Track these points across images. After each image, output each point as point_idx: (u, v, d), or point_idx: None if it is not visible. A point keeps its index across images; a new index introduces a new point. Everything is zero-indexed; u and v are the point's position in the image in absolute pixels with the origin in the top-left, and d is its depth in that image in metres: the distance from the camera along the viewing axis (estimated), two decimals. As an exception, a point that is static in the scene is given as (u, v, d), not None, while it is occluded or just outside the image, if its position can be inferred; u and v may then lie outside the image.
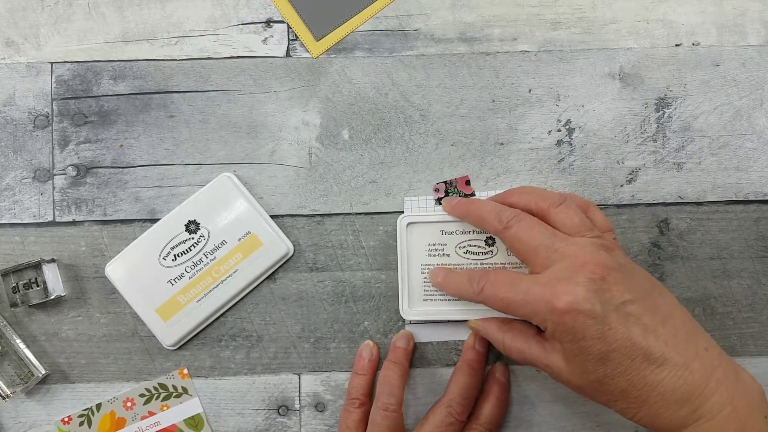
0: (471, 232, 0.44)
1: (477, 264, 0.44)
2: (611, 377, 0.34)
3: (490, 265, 0.44)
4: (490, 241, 0.44)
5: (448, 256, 0.44)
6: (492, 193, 0.46)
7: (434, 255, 0.44)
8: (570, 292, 0.34)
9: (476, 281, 0.39)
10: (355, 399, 0.43)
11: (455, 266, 0.44)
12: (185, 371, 0.45)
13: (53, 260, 0.45)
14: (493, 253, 0.44)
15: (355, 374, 0.44)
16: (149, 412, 0.45)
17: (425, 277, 0.44)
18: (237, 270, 0.44)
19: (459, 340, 0.45)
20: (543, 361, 0.37)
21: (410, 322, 0.45)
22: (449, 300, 0.44)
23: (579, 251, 0.35)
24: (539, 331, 0.39)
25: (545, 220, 0.38)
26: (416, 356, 0.45)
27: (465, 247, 0.44)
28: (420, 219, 0.44)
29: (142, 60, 0.47)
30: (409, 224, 0.44)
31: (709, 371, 0.34)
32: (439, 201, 0.46)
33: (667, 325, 0.34)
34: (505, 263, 0.44)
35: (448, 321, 0.45)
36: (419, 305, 0.44)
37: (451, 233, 0.44)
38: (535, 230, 0.37)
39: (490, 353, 0.45)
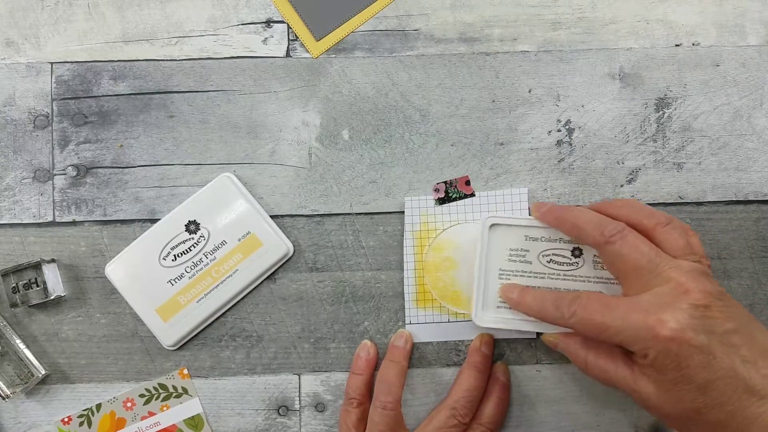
0: (557, 241, 0.42)
1: (560, 275, 0.42)
2: (710, 407, 0.33)
3: (574, 278, 0.42)
4: (576, 252, 0.42)
5: (530, 263, 0.42)
6: (492, 193, 0.46)
7: (515, 261, 0.42)
8: (675, 320, 0.33)
9: (566, 305, 0.37)
10: (353, 399, 0.43)
11: (537, 275, 0.42)
12: (185, 371, 0.45)
13: (53, 260, 0.45)
14: (579, 265, 0.42)
15: (353, 374, 0.44)
16: (149, 412, 0.45)
17: (503, 284, 0.42)
18: (237, 270, 0.44)
19: (459, 341, 0.45)
20: (630, 385, 0.35)
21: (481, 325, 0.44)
22: None
23: (683, 276, 0.34)
24: (626, 352, 0.37)
25: (649, 238, 0.37)
26: (416, 356, 0.45)
27: (549, 256, 0.42)
28: (505, 221, 0.42)
29: (142, 60, 0.47)
30: (492, 225, 0.42)
31: None
32: (439, 201, 0.46)
33: (766, 358, 0.33)
34: (591, 277, 0.42)
35: (496, 329, 0.44)
36: (493, 311, 0.42)
37: (536, 240, 0.42)
38: (641, 249, 0.36)
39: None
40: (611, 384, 0.37)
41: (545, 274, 0.42)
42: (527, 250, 0.42)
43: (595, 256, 0.42)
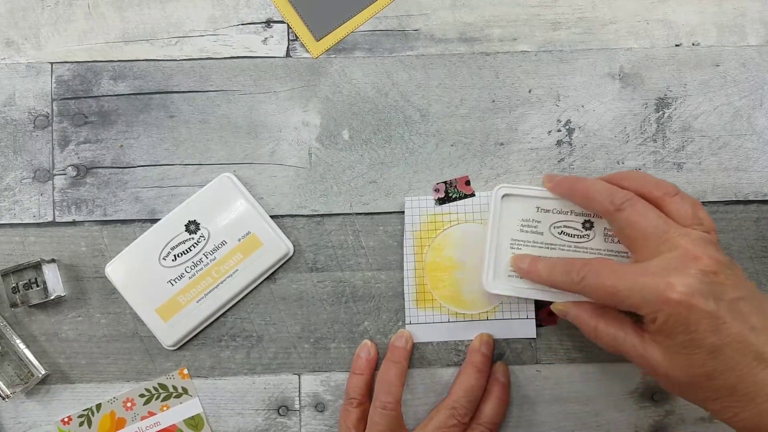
0: (569, 213, 0.42)
1: (571, 246, 0.42)
2: (720, 372, 0.33)
3: (585, 250, 0.42)
4: (588, 225, 0.42)
5: (542, 234, 0.42)
6: (492, 193, 0.46)
7: (527, 231, 0.43)
8: (684, 284, 0.33)
9: (576, 270, 0.37)
10: (353, 398, 0.43)
11: (548, 246, 0.42)
12: (185, 371, 0.45)
13: (53, 260, 0.45)
14: (590, 237, 0.42)
15: (353, 374, 0.44)
16: (149, 412, 0.45)
17: (514, 253, 0.43)
18: (237, 270, 0.44)
19: (459, 341, 0.45)
20: (639, 351, 0.35)
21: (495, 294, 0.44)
22: None
23: (691, 243, 0.34)
24: (636, 319, 0.37)
25: (658, 208, 0.37)
26: (416, 356, 0.45)
27: (560, 227, 0.42)
28: (517, 192, 0.43)
29: (142, 60, 0.47)
30: (505, 195, 0.43)
31: None
32: (439, 201, 0.46)
33: None
34: (601, 249, 0.42)
35: (522, 299, 0.44)
36: (504, 280, 0.43)
37: (547, 211, 0.43)
38: (650, 216, 0.36)
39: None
40: (622, 351, 0.37)
41: (556, 245, 0.43)
42: (539, 221, 0.43)
43: (606, 228, 0.43)
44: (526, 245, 0.43)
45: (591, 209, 0.41)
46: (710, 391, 0.34)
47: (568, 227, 0.43)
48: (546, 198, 0.43)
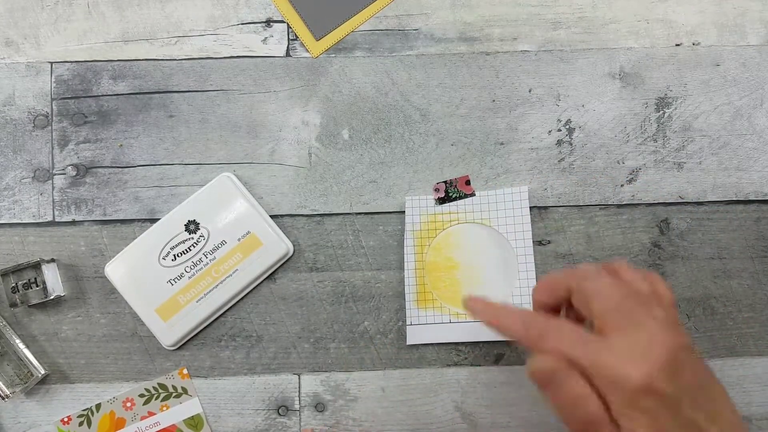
0: None
1: None
2: None
3: None
4: None
5: None
6: (492, 193, 0.46)
7: None
8: (645, 371, 0.32)
9: (535, 327, 0.35)
10: None
11: None
12: (185, 371, 0.45)
13: (53, 260, 0.45)
14: None
15: None
16: (149, 412, 0.45)
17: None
18: (237, 270, 0.44)
19: (459, 341, 0.45)
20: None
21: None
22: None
23: (656, 327, 0.34)
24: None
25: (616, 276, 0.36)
26: (416, 356, 0.45)
27: None
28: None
29: (142, 60, 0.47)
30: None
31: None
32: (439, 201, 0.46)
33: (720, 421, 0.33)
34: None
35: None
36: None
37: None
38: (611, 292, 0.35)
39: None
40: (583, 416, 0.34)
41: None
42: None
43: None
44: None
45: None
46: None
47: None
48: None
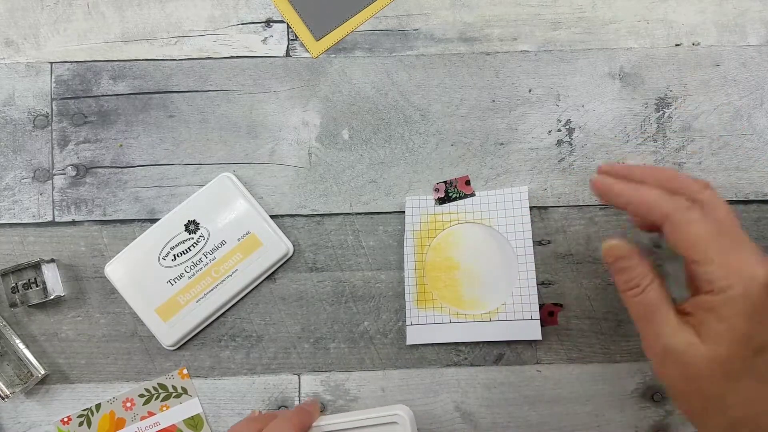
0: None
1: None
2: (752, 377, 0.31)
3: None
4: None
5: None
6: (492, 193, 0.46)
7: None
8: None
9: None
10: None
11: None
12: (185, 371, 0.45)
13: (53, 260, 0.45)
14: None
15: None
16: (149, 412, 0.45)
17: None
18: (237, 270, 0.44)
19: (459, 341, 0.45)
20: (667, 329, 0.33)
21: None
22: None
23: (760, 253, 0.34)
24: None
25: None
26: (416, 356, 0.45)
27: None
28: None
29: (142, 60, 0.47)
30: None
31: None
32: (439, 201, 0.46)
33: None
34: None
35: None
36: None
37: None
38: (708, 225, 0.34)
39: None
40: (645, 319, 0.34)
41: None
42: None
43: None
44: None
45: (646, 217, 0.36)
46: (733, 394, 0.31)
47: None
48: None
